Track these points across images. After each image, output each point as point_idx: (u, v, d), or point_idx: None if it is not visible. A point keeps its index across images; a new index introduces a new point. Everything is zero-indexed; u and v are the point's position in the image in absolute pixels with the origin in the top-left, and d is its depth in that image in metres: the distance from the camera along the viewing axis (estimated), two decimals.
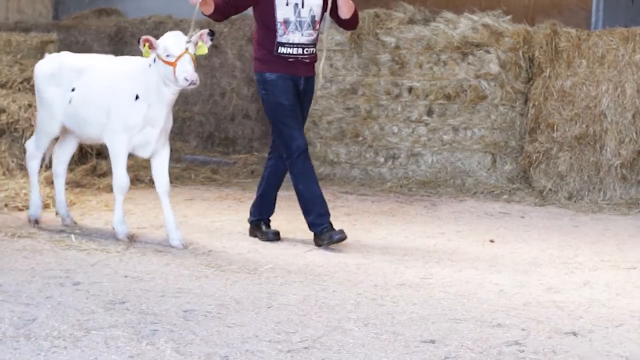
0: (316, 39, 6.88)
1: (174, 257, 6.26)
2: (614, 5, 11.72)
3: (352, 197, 9.36)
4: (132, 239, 6.72)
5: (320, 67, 7.07)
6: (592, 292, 5.68)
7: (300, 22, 6.74)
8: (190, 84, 6.33)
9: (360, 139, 10.53)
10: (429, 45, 10.09)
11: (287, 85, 6.80)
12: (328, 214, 6.83)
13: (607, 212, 8.81)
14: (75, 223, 7.26)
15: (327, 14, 6.88)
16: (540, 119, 9.53)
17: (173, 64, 6.36)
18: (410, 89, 10.23)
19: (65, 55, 7.28)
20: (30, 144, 7.41)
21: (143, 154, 6.76)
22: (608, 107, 9.16)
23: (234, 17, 12.28)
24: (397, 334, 4.59)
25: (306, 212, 6.85)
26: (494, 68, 9.71)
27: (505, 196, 9.43)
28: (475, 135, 9.90)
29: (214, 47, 11.88)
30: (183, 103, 12.13)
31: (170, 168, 10.56)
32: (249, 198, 9.14)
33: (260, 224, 7.10)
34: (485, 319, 4.91)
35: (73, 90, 6.93)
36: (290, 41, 6.75)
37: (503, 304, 5.27)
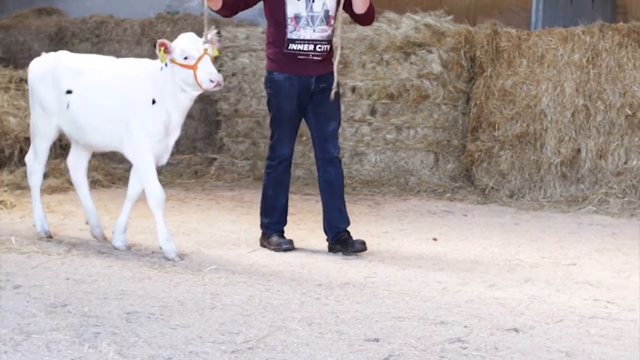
0: (331, 35, 6.52)
1: (116, 259, 6.21)
2: (554, 5, 11.89)
3: (296, 197, 9.35)
4: (182, 257, 6.27)
5: (335, 64, 6.62)
6: (533, 288, 5.75)
7: (312, 17, 6.40)
8: (215, 86, 6.05)
9: (304, 138, 10.52)
10: (371, 45, 10.14)
11: (293, 90, 6.52)
12: (284, 223, 6.80)
13: (548, 209, 8.94)
14: (105, 238, 6.74)
15: (340, 8, 6.49)
16: (482, 118, 9.64)
17: (193, 67, 6.03)
18: (353, 89, 10.27)
19: (63, 54, 6.81)
20: (29, 159, 6.91)
21: (160, 163, 6.40)
22: (548, 106, 9.30)
23: (176, 16, 12.31)
24: (341, 332, 4.59)
25: (265, 214, 6.79)
26: (436, 68, 9.79)
27: (448, 195, 9.52)
28: (418, 134, 9.98)
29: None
30: None
31: (114, 169, 10.59)
32: (193, 199, 9.12)
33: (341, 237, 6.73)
34: (429, 317, 4.94)
35: (69, 92, 6.48)
36: (301, 37, 6.41)
37: (446, 302, 5.31)
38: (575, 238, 7.52)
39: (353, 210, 8.68)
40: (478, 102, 9.61)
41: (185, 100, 6.24)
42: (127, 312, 4.85)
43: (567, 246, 7.18)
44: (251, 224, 7.18)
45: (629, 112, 9.02)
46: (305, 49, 6.44)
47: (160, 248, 6.27)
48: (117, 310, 4.88)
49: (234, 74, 11.07)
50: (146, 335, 4.44)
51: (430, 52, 9.83)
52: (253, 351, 4.25)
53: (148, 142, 6.23)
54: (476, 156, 9.61)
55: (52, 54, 6.87)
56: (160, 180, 10.02)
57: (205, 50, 6.07)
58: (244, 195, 9.43)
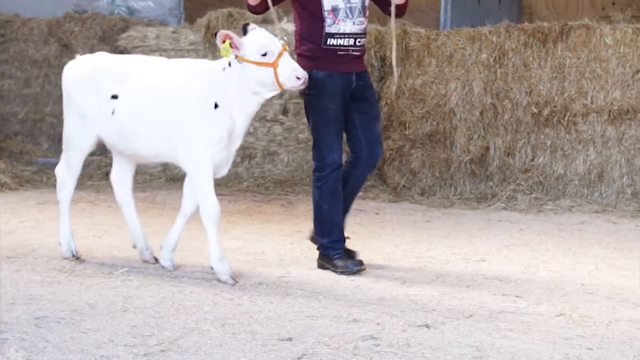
0: (366, 28, 6.13)
1: (24, 263, 6.09)
2: (461, 6, 12.06)
3: None
4: (236, 279, 5.72)
5: (394, 58, 6.39)
6: (444, 284, 5.84)
7: (350, 8, 5.94)
8: (302, 84, 5.52)
9: None
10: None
11: (336, 87, 5.96)
12: (344, 240, 6.21)
13: (458, 206, 9.08)
14: (155, 260, 6.18)
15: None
16: (393, 117, 9.73)
17: (273, 64, 5.46)
18: None
19: (103, 56, 6.26)
20: (60, 170, 6.25)
21: (220, 174, 5.85)
22: (457, 104, 9.44)
23: (85, 15, 12.11)
24: (254, 333, 4.60)
25: (321, 234, 6.16)
26: None
27: (360, 193, 9.53)
28: None
29: (64, 47, 11.63)
30: (34, 104, 11.78)
31: (21, 171, 10.37)
32: (104, 200, 8.98)
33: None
34: (342, 315, 4.98)
35: (115, 97, 5.83)
36: (341, 31, 5.93)
37: (359, 300, 5.35)
38: (485, 234, 7.65)
39: (266, 210, 8.71)
40: (389, 102, 9.70)
41: (253, 103, 5.67)
42: (36, 317, 4.76)
43: (477, 242, 7.30)
44: (163, 225, 7.11)
45: (535, 110, 9.21)
46: (346, 43, 5.96)
47: (212, 268, 5.76)
48: (26, 315, 4.79)
49: None
50: (56, 340, 4.37)
51: None
52: (165, 354, 4.22)
53: (208, 151, 5.64)
54: (387, 155, 9.70)
55: (89, 56, 6.29)
56: None
57: (284, 45, 5.56)
58: (155, 196, 9.34)
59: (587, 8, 14.18)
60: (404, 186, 9.63)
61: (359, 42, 6.02)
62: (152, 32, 10.91)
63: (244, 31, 5.69)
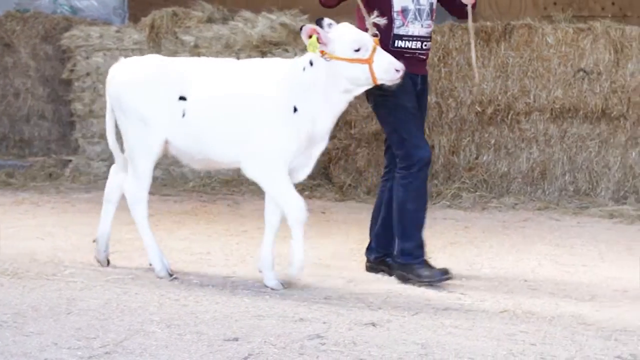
0: (431, 31, 5.99)
1: None
2: None
3: (154, 197, 9.16)
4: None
5: (473, 58, 6.25)
6: (390, 283, 5.87)
7: (419, 10, 5.79)
8: (400, 77, 5.26)
9: None
10: (228, 44, 10.12)
11: (407, 85, 5.71)
12: (423, 247, 5.94)
13: None
14: (108, 262, 6.05)
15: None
16: (339, 116, 9.73)
17: (368, 60, 5.23)
18: None
19: (157, 58, 5.97)
20: (128, 186, 5.83)
21: (298, 178, 5.60)
22: None
23: (27, 14, 11.95)
24: (200, 333, 4.58)
25: (403, 237, 5.85)
26: None
27: (306, 192, 9.57)
28: None
29: (6, 46, 11.48)
30: None
31: None
32: (47, 202, 8.88)
33: (386, 259, 6.06)
34: (288, 314, 4.98)
35: (183, 99, 5.54)
36: (410, 33, 5.78)
37: (305, 299, 5.36)
38: (430, 232, 7.63)
39: (212, 210, 8.68)
40: None
41: (341, 102, 5.43)
42: None
43: None
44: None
45: (479, 109, 9.31)
46: (413, 46, 5.81)
47: (260, 271, 5.66)
48: None
49: (88, 74, 10.82)
50: None
51: (286, 51, 9.88)
52: (110, 356, 4.19)
53: (282, 158, 5.39)
54: (333, 154, 9.73)
55: (139, 59, 5.97)
56: (12, 184, 9.89)
57: (376, 40, 5.33)
58: (100, 197, 9.19)
59: (529, 8, 14.29)
60: (349, 185, 9.66)
61: (426, 45, 5.89)
62: (96, 31, 10.80)
63: (319, 26, 5.37)
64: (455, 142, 9.40)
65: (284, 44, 9.92)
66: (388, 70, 5.24)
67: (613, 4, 12.94)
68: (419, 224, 5.87)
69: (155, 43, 10.35)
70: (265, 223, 5.68)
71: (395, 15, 5.76)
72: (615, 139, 9.15)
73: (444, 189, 9.28)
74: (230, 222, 8.07)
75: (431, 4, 5.87)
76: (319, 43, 5.23)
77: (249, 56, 9.98)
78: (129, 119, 5.71)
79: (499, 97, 9.25)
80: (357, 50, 5.25)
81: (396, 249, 5.89)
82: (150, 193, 9.31)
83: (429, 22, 5.86)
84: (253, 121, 5.40)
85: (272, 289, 5.56)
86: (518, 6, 13.97)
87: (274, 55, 9.91)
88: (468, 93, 9.36)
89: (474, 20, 6.11)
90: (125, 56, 10.29)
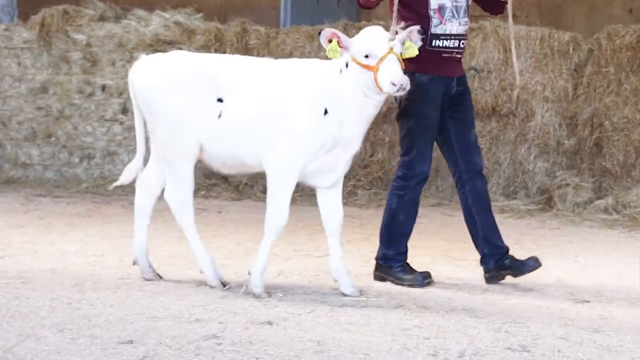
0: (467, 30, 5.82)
1: None
2: (301, 4, 12.18)
3: (46, 199, 9.07)
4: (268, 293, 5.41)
5: (514, 58, 6.00)
6: (287, 281, 5.89)
7: (456, 7, 5.64)
8: (398, 90, 5.05)
9: (54, 139, 10.24)
10: (121, 43, 10.01)
11: (437, 93, 5.69)
12: (407, 252, 5.95)
13: (300, 203, 9.14)
14: (159, 277, 5.76)
15: None
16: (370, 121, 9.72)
17: (373, 68, 5.08)
18: (103, 87, 10.10)
19: (185, 55, 5.67)
20: (171, 194, 5.52)
21: (323, 182, 5.46)
22: None
23: None
24: (94, 337, 4.50)
25: (388, 244, 5.90)
26: None
27: (202, 192, 9.54)
28: None
29: None
30: None
31: None
32: None
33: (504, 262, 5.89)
34: (184, 315, 4.94)
35: (220, 101, 5.32)
36: (447, 32, 5.64)
37: (201, 299, 5.32)
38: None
39: (106, 210, 8.55)
40: None
41: (370, 107, 5.25)
42: None
43: (319, 238, 7.37)
44: None
45: None
46: (451, 45, 5.66)
47: (248, 274, 5.43)
48: None
49: None
50: None
51: (180, 49, 9.77)
52: None
53: (300, 161, 5.26)
54: None
55: (165, 56, 5.63)
56: None
57: (391, 48, 5.11)
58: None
59: None
60: (246, 184, 9.66)
61: (463, 44, 5.75)
62: None
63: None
64: None
65: (178, 42, 9.86)
66: (384, 82, 5.06)
67: None
68: (406, 233, 5.89)
69: (46, 42, 10.16)
70: (326, 231, 5.62)
71: (432, 13, 5.61)
72: (505, 135, 9.38)
73: None
74: (125, 223, 7.94)
75: (467, 1, 5.72)
76: (340, 47, 5.14)
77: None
78: (161, 122, 5.42)
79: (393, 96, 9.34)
80: (367, 57, 5.13)
81: (379, 252, 5.94)
82: (42, 195, 9.21)
83: (466, 19, 5.72)
84: (287, 122, 5.25)
85: (347, 295, 5.48)
86: None
87: None
88: None
89: (499, 12, 5.95)
90: (15, 55, 10.18)
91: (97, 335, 4.54)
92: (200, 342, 4.46)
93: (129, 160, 9.86)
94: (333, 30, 5.18)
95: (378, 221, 8.12)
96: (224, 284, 5.58)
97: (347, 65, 5.23)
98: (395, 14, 5.34)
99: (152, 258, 5.94)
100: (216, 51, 9.84)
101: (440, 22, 5.63)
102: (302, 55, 9.52)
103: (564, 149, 9.36)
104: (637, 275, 6.28)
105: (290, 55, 9.55)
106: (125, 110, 10.05)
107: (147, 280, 5.74)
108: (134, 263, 5.80)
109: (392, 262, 5.88)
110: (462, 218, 6.10)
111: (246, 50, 9.67)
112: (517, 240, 7.39)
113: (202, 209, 8.76)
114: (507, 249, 5.90)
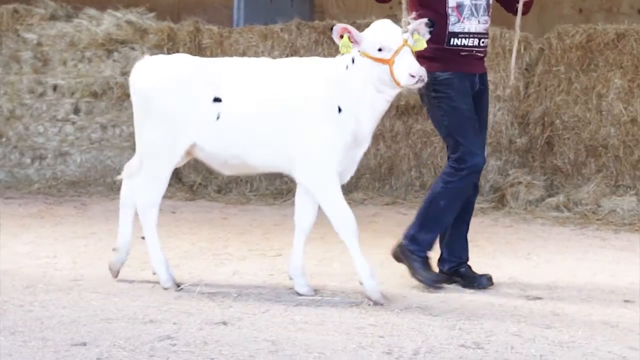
0: (488, 28, 5.70)
1: None
2: (254, 4, 12.16)
3: None
4: (386, 298, 5.28)
5: (513, 59, 6.10)
6: (241, 281, 5.88)
7: (476, 5, 5.54)
8: (417, 82, 4.98)
9: (4, 139, 10.12)
10: (72, 42, 9.92)
11: (464, 86, 5.56)
12: (432, 247, 5.77)
13: (255, 203, 9.16)
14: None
15: None
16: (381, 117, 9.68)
17: (389, 61, 5.01)
18: (55, 87, 9.99)
19: (187, 57, 5.66)
20: (142, 193, 5.52)
21: (340, 181, 5.35)
22: None
23: None
24: (46, 339, 4.46)
25: (421, 227, 5.70)
26: None
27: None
28: (124, 132, 9.87)
29: None
30: None
31: None
32: None
33: (460, 269, 5.84)
34: (137, 317, 4.91)
35: (217, 100, 5.29)
36: (466, 30, 5.53)
37: (155, 300, 5.29)
38: (281, 229, 7.75)
39: (58, 211, 8.47)
40: None
41: (381, 103, 5.20)
42: None
43: (273, 238, 7.39)
44: None
45: None
46: (470, 44, 5.56)
47: (361, 284, 5.30)
48: None
49: None
50: None
51: (133, 49, 9.76)
52: None
53: (332, 160, 5.19)
54: None
55: (168, 57, 5.73)
56: None
57: (405, 40, 5.05)
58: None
59: (375, 7, 14.58)
60: (200, 184, 9.62)
61: (483, 42, 5.63)
62: None
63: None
64: None
65: (131, 41, 9.80)
66: (402, 75, 4.99)
67: None
68: (442, 224, 5.72)
69: None
70: (296, 227, 5.55)
71: (449, 11, 5.52)
72: None
73: (294, 186, 9.27)
74: (78, 224, 7.89)
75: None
76: (351, 42, 5.07)
77: (95, 55, 9.82)
78: (155, 120, 5.40)
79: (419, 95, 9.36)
80: (380, 50, 5.06)
81: (408, 231, 5.74)
82: None
83: (486, 17, 5.62)
84: (297, 123, 5.21)
85: (301, 294, 5.45)
86: (365, 5, 14.21)
87: (120, 53, 9.77)
88: None
89: (524, 13, 5.85)
90: None
91: (50, 337, 4.49)
92: (155, 343, 4.44)
93: (82, 161, 9.91)
94: (344, 25, 5.11)
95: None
96: (177, 285, 5.55)
97: (353, 61, 5.18)
98: (405, 4, 5.26)
99: (105, 260, 5.90)
100: (168, 51, 9.79)
101: (459, 20, 5.53)
102: (255, 54, 9.51)
103: (516, 147, 9.45)
104: (589, 272, 6.37)
105: (244, 54, 9.54)
106: (78, 110, 9.96)
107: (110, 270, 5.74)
108: (113, 249, 5.78)
109: (415, 248, 5.71)
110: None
111: (199, 50, 9.64)
112: (471, 238, 7.39)
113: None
114: (466, 260, 5.89)
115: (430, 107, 5.71)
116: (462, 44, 5.55)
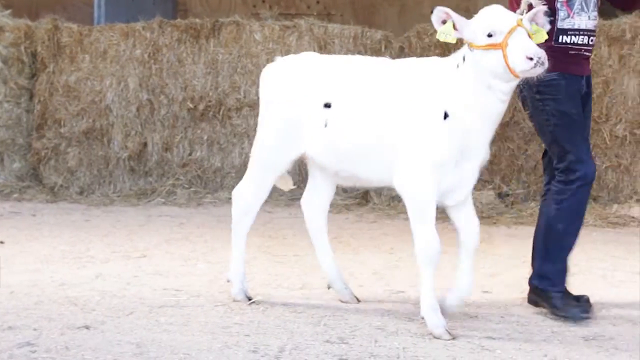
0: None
1: None
2: (116, 2, 11.96)
3: None
4: (453, 335, 4.64)
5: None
6: (104, 283, 5.77)
7: (586, 0, 5.04)
8: (535, 65, 4.32)
9: None
10: None
11: (572, 89, 5.03)
12: (566, 273, 5.16)
13: (118, 204, 9.02)
14: (357, 300, 5.28)
15: None
16: (47, 114, 9.48)
17: (501, 45, 4.37)
18: None
19: (311, 56, 5.18)
20: (241, 192, 5.18)
21: (452, 201, 4.76)
22: (113, 101, 9.39)
23: None
24: None
25: (545, 259, 5.12)
26: None
27: (15, 195, 9.24)
28: None
29: None
30: None
31: None
32: None
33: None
34: None
35: (328, 107, 4.82)
36: (575, 27, 4.99)
37: (14, 306, 5.15)
38: (145, 230, 7.66)
39: None
40: (42, 99, 9.44)
41: (494, 103, 4.54)
42: None
43: (138, 239, 7.30)
44: None
45: (191, 105, 9.37)
46: (579, 42, 5.02)
47: (422, 318, 4.74)
48: None
49: None
50: None
51: None
52: None
53: (432, 175, 4.57)
54: (43, 154, 9.44)
55: (294, 57, 5.25)
56: None
57: (520, 20, 4.44)
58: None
59: (239, 5, 14.57)
60: (61, 186, 9.41)
61: (592, 40, 5.11)
62: None
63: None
64: (169, 138, 9.41)
65: None
66: (517, 58, 4.37)
67: (318, 2, 13.51)
68: (567, 247, 5.14)
69: None
70: (462, 246, 4.93)
71: (559, 5, 4.99)
72: None
73: (159, 186, 9.26)
74: None
75: None
76: (455, 30, 4.52)
77: None
78: (269, 125, 5.08)
79: (210, 94, 9.35)
80: (490, 36, 4.45)
81: (535, 269, 5.20)
82: None
83: (595, 13, 5.11)
84: (399, 132, 4.67)
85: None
86: (228, 4, 14.20)
87: None
88: (180, 90, 9.39)
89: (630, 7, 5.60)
90: None
91: None
92: (14, 350, 4.33)
93: None
94: (446, 9, 4.54)
95: (198, 220, 8.18)
96: (249, 299, 5.24)
97: (464, 59, 4.61)
98: None
99: None
100: (26, 49, 9.54)
101: (568, 16, 5.02)
102: (118, 53, 9.37)
103: None
104: (448, 264, 6.53)
105: (105, 53, 9.39)
106: None
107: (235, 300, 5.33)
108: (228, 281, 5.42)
109: (548, 284, 5.14)
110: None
111: (58, 48, 9.42)
112: (336, 234, 7.52)
113: (16, 212, 8.49)
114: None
115: (533, 111, 5.14)
116: (572, 41, 5.04)
